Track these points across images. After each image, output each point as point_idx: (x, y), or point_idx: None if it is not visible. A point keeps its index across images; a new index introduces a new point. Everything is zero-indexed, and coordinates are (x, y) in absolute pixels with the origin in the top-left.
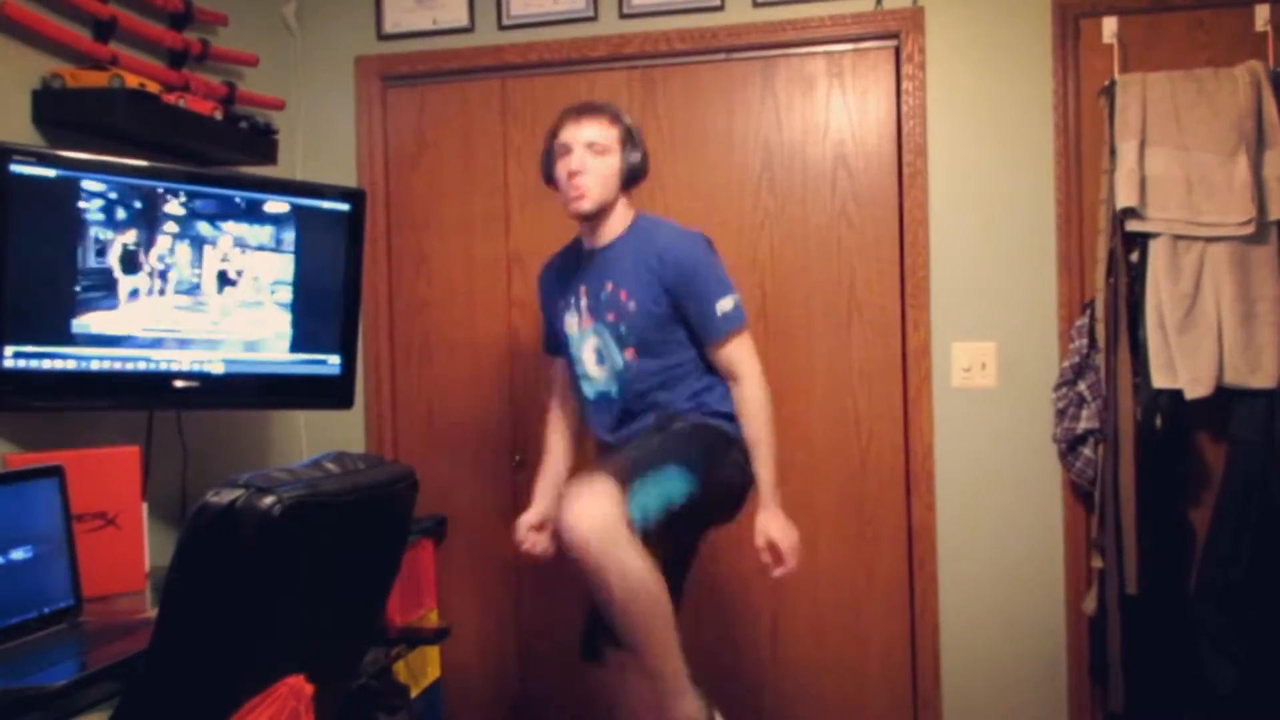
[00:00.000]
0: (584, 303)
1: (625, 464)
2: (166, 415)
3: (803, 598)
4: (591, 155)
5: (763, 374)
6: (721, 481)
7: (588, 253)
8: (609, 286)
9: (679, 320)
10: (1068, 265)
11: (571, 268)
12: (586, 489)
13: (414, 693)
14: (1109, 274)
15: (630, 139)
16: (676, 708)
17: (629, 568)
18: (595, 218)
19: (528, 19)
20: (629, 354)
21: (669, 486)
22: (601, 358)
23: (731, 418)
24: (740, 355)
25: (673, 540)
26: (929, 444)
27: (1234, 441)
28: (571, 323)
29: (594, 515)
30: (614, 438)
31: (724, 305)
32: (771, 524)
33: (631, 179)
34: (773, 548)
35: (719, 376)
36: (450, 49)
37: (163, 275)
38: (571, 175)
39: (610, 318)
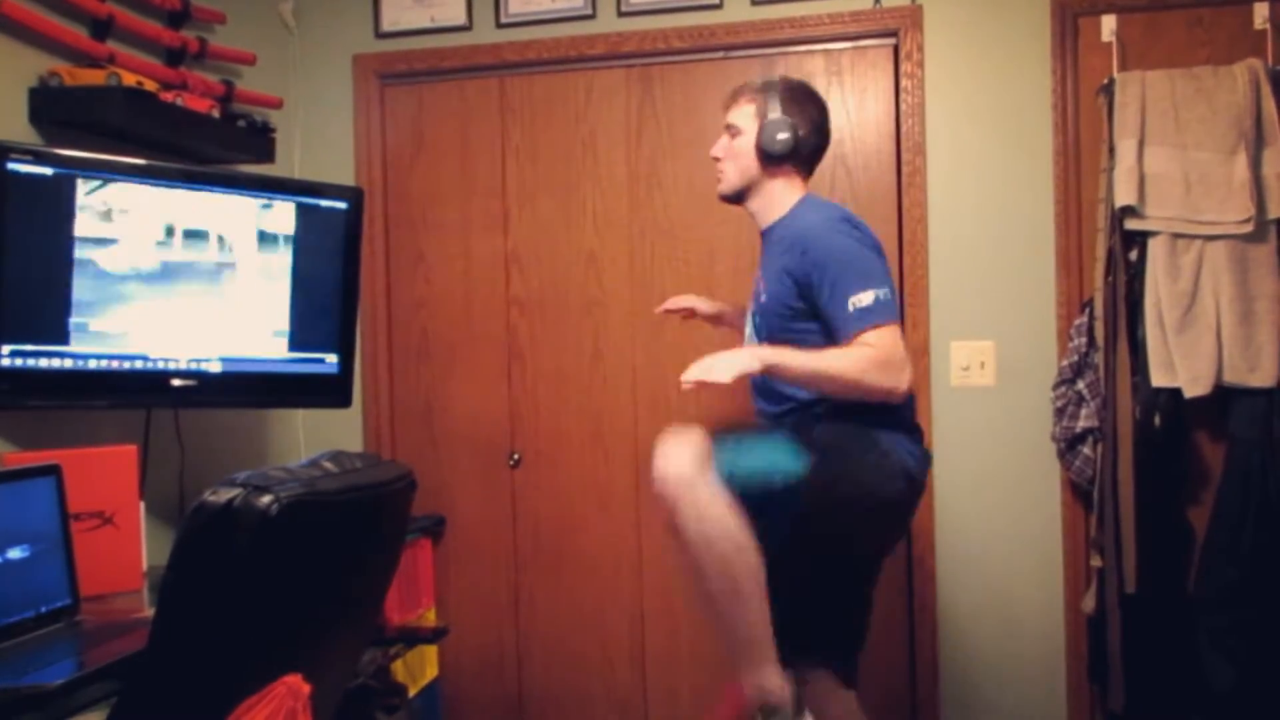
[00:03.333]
0: (754, 289)
1: (732, 427)
2: (164, 414)
3: None
4: (728, 138)
5: (899, 363)
6: (850, 477)
7: (760, 233)
8: (758, 274)
9: (811, 316)
10: (1066, 264)
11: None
12: (676, 435)
13: (412, 692)
14: (1108, 272)
15: (767, 110)
16: (758, 677)
17: (707, 513)
18: (743, 200)
19: (526, 17)
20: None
21: (769, 456)
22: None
23: (882, 419)
24: (880, 342)
25: (817, 555)
26: (928, 443)
27: (1233, 440)
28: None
29: (678, 457)
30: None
31: (859, 299)
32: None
33: (772, 155)
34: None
35: None
36: (448, 47)
37: (160, 274)
38: (715, 161)
39: (754, 308)
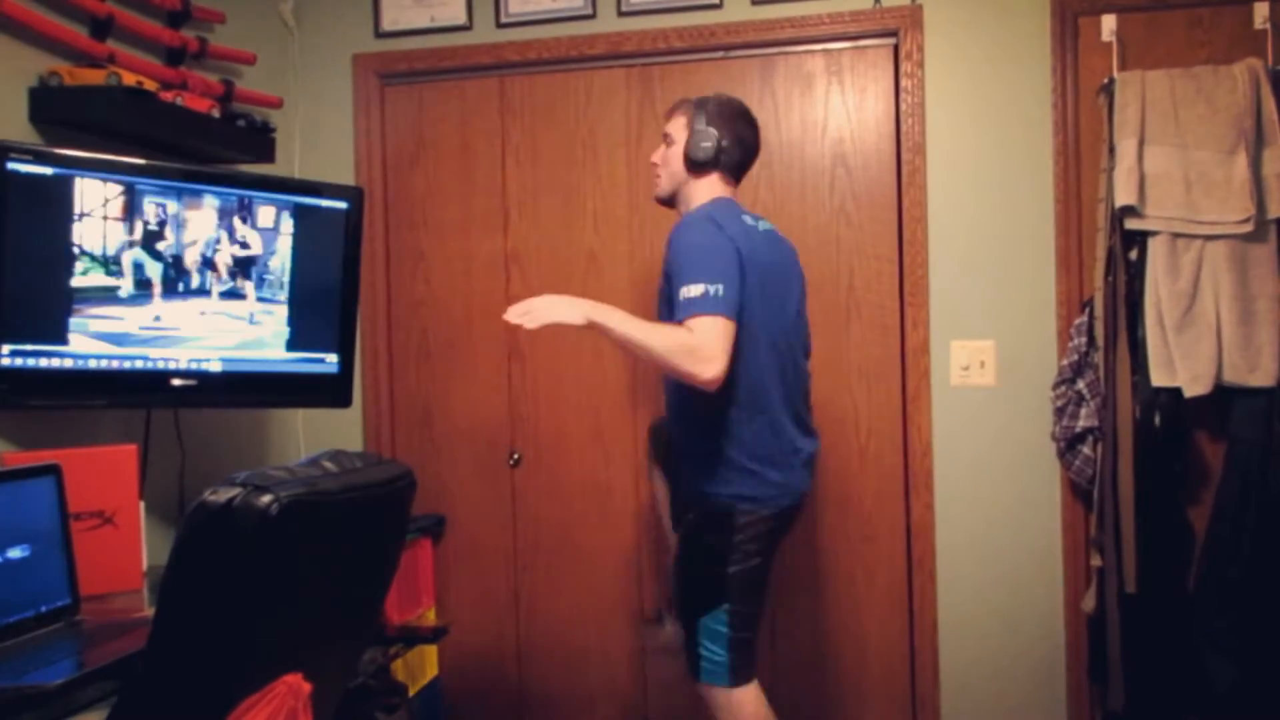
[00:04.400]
0: None
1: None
2: (164, 414)
3: (801, 596)
4: (664, 147)
5: (707, 354)
6: (740, 576)
7: None
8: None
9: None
10: (1066, 263)
11: None
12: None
13: (412, 691)
14: (1108, 272)
15: (694, 121)
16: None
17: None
18: (675, 203)
19: (526, 17)
20: None
21: (716, 637)
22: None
23: (739, 482)
24: (698, 329)
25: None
26: (928, 442)
27: (1233, 440)
28: None
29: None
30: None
31: (690, 290)
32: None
33: (696, 162)
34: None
35: (738, 407)
36: (448, 47)
37: (160, 273)
38: (652, 167)
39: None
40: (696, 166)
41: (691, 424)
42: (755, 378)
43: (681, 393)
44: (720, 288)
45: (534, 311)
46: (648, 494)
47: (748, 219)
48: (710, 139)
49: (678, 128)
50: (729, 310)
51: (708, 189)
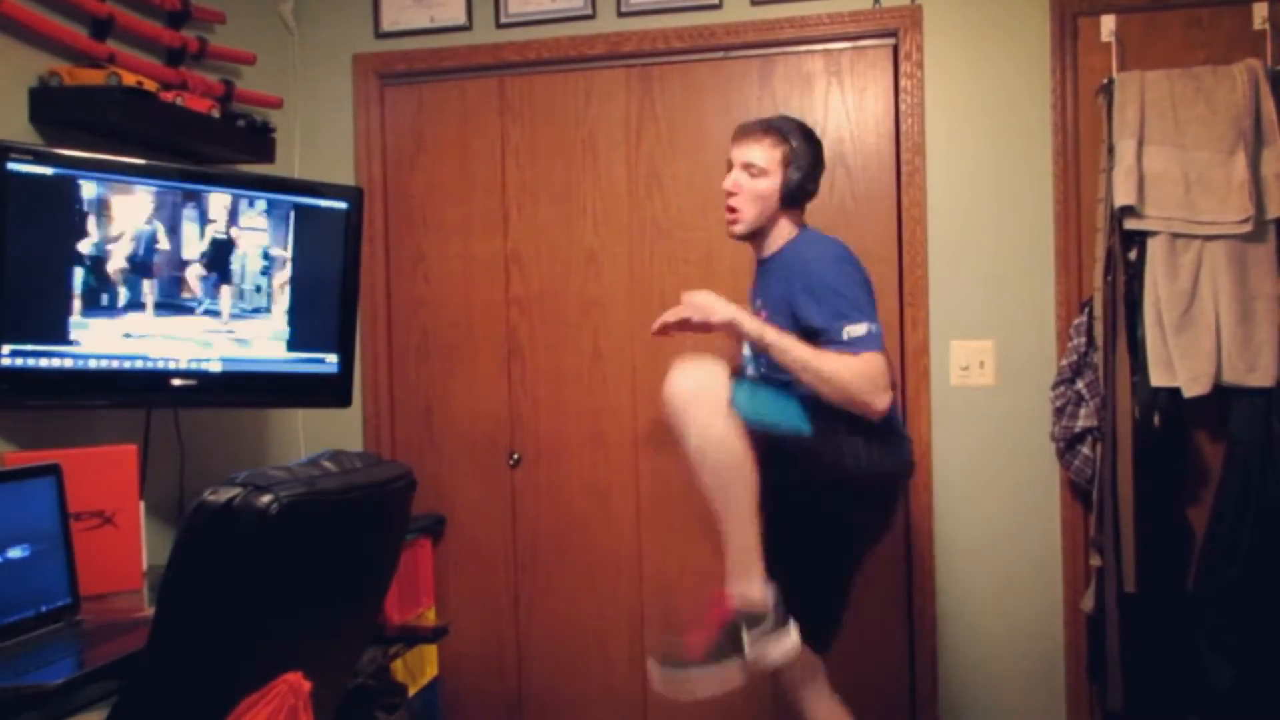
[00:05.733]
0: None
1: (747, 376)
2: (164, 414)
3: None
4: (748, 176)
5: (884, 384)
6: (840, 452)
7: (757, 261)
8: (758, 303)
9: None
10: (1066, 263)
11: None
12: (695, 359)
13: (412, 691)
14: (1107, 272)
15: (795, 159)
16: (741, 583)
17: (710, 427)
18: (755, 237)
19: (526, 17)
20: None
21: (781, 408)
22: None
23: (874, 433)
24: (873, 362)
25: (809, 523)
26: (927, 442)
27: (1232, 440)
28: None
29: (691, 375)
30: None
31: (854, 330)
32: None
33: (792, 199)
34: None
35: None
36: (448, 47)
37: (160, 273)
38: (727, 195)
39: None
40: (794, 203)
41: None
42: None
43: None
44: (878, 327)
45: (714, 308)
46: (648, 494)
47: None
48: (812, 178)
49: (770, 160)
50: (883, 346)
51: (793, 222)
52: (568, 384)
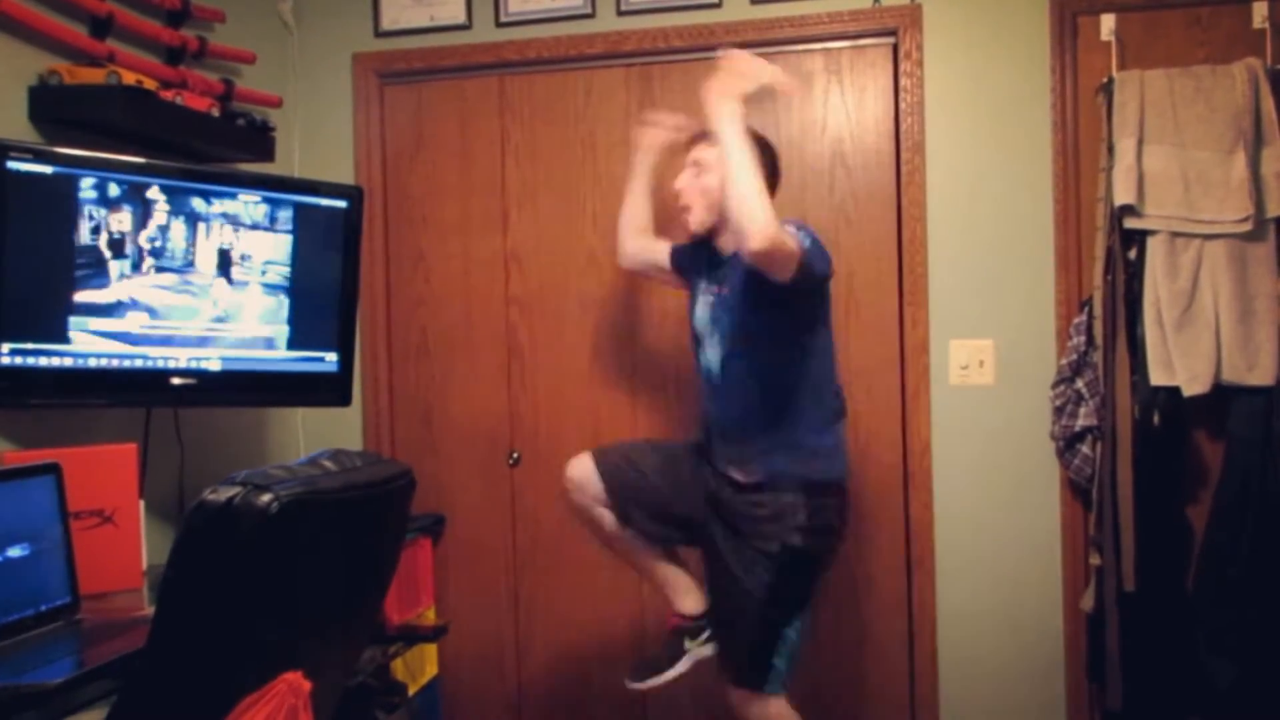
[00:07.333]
0: (705, 284)
1: (737, 646)
2: (164, 413)
3: None
4: (694, 174)
5: (776, 232)
6: (825, 550)
7: (716, 254)
8: (710, 286)
9: (771, 304)
10: (1065, 262)
11: (703, 252)
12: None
13: (412, 690)
14: (1107, 271)
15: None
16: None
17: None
18: (717, 234)
19: (525, 16)
20: (730, 343)
21: (789, 645)
22: (714, 319)
23: (827, 454)
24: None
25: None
26: (927, 441)
27: (1232, 439)
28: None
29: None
30: (714, 448)
31: (791, 229)
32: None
33: None
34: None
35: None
36: (448, 46)
37: (159, 272)
38: (676, 194)
39: (711, 301)
40: None
41: (774, 413)
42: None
43: (764, 383)
44: (822, 254)
45: (748, 71)
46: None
47: None
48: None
49: (713, 157)
50: (807, 242)
51: None
52: (568, 383)
